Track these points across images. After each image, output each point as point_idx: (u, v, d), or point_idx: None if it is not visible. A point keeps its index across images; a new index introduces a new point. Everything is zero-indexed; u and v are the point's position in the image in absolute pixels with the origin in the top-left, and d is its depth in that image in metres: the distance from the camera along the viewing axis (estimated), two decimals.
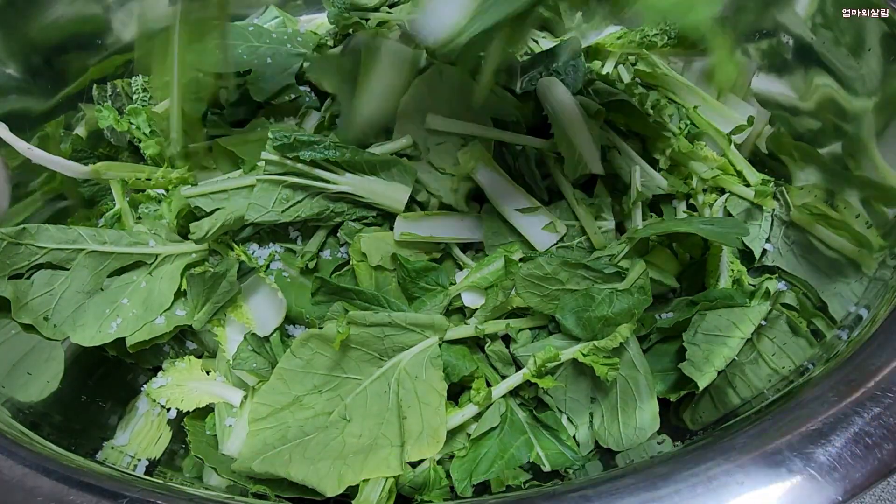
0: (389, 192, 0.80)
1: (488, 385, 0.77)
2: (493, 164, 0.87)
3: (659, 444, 0.75)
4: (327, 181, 0.79)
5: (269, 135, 0.75)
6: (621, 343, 0.74)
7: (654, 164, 0.95)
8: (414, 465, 0.71)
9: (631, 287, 0.76)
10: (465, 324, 0.79)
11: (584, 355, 0.73)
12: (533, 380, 0.74)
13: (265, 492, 0.68)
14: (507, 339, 0.81)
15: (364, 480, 0.65)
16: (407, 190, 0.81)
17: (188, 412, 0.79)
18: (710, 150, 0.97)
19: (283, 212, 0.79)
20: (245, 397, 0.78)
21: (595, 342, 0.74)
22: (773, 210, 0.94)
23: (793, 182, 0.93)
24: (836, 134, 0.86)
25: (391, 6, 1.21)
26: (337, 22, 1.16)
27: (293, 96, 1.03)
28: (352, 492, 0.65)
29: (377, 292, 0.77)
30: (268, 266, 0.83)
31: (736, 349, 0.77)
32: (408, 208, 0.83)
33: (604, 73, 1.01)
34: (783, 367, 0.75)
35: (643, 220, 0.91)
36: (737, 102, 0.99)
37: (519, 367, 0.78)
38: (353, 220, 0.83)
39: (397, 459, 0.66)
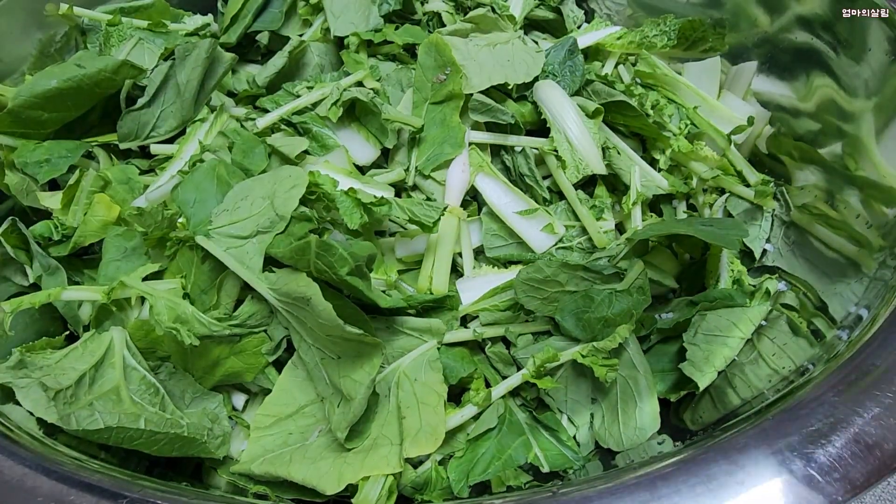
0: None
1: (488, 386, 0.77)
2: (490, 168, 0.88)
3: (659, 444, 0.75)
4: None
5: None
6: (621, 343, 0.74)
7: (654, 164, 0.95)
8: (416, 465, 0.72)
9: (630, 287, 0.76)
10: (465, 328, 0.79)
11: (584, 356, 0.73)
12: (532, 380, 0.74)
13: (265, 492, 0.68)
14: (507, 340, 0.81)
15: (364, 479, 0.65)
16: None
17: None
18: (710, 150, 0.96)
19: None
20: (247, 401, 0.78)
21: (594, 343, 0.74)
22: (773, 210, 0.94)
23: (793, 182, 0.93)
24: (836, 134, 0.86)
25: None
26: None
27: None
28: (352, 491, 0.65)
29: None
30: None
31: (736, 349, 0.77)
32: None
33: (603, 73, 1.01)
34: (783, 368, 0.75)
35: (643, 220, 0.91)
36: (737, 102, 0.99)
37: (520, 368, 0.78)
38: None
39: (396, 457, 0.66)
